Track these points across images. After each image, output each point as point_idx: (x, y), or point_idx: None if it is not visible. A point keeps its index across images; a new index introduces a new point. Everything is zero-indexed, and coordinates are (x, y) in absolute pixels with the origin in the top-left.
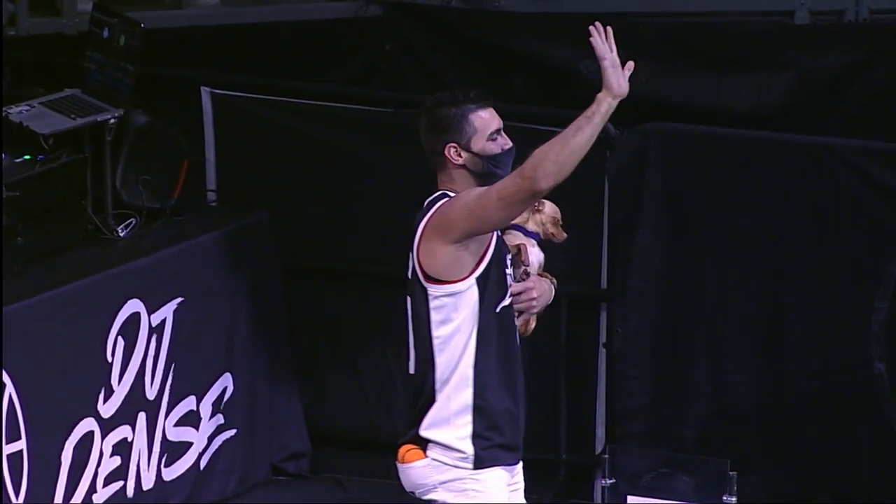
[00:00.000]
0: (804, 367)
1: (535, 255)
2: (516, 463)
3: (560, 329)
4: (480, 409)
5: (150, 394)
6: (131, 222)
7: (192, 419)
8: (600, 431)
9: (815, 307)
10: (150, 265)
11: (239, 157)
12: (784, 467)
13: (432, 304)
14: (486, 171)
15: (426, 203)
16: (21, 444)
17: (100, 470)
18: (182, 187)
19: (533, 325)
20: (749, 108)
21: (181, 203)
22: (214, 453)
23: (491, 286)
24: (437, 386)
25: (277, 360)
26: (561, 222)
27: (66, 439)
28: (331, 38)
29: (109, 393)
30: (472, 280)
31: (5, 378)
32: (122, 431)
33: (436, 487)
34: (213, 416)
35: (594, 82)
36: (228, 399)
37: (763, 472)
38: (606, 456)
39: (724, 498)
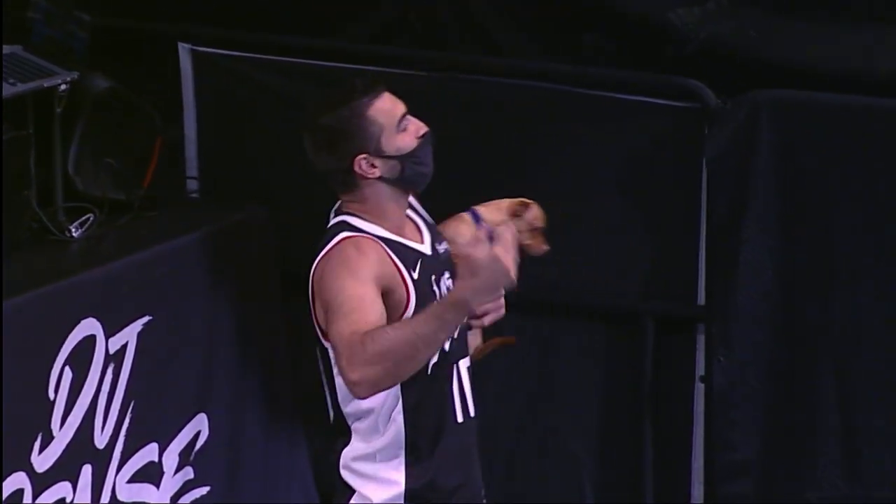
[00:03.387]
0: None
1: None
2: None
3: (645, 357)
4: None
5: (100, 441)
6: (88, 219)
7: (151, 473)
8: (697, 491)
9: None
10: (110, 275)
11: (228, 134)
12: None
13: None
14: (409, 172)
15: (327, 229)
16: None
17: None
18: (154, 174)
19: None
20: (889, 72)
21: (153, 194)
22: None
23: None
24: None
25: (273, 396)
26: (544, 228)
27: None
28: None
29: (48, 440)
30: None
31: None
32: (61, 489)
33: None
34: (179, 468)
35: (688, 36)
36: (202, 447)
37: None
38: None
39: None
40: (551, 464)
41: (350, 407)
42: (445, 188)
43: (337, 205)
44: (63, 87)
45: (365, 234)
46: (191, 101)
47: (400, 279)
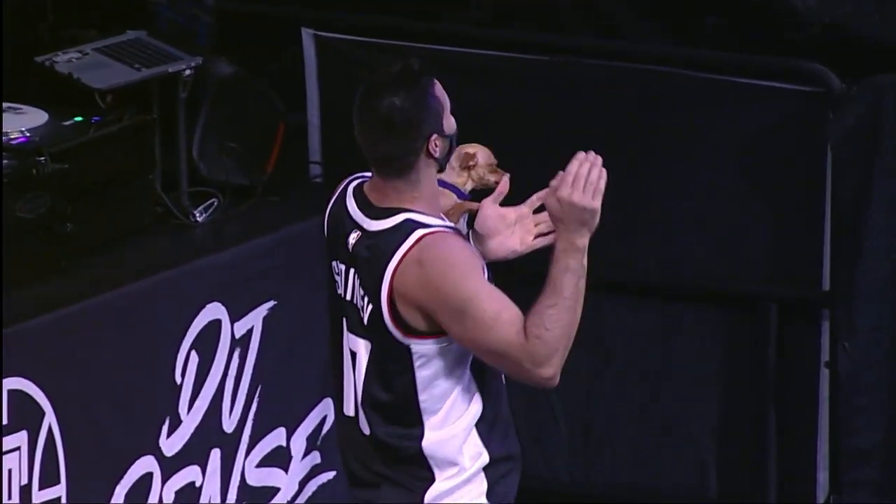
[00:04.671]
0: None
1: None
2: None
3: (768, 343)
4: None
5: (228, 425)
6: (212, 204)
7: (279, 458)
8: (822, 477)
9: None
10: (235, 259)
11: (350, 119)
12: None
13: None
14: (449, 153)
15: (393, 228)
16: (60, 490)
17: None
18: (278, 158)
19: None
20: None
21: (276, 179)
22: (308, 502)
23: None
24: None
25: None
26: (496, 164)
27: (117, 484)
28: None
29: (175, 424)
30: None
31: (45, 405)
32: (189, 473)
33: None
34: (307, 453)
35: (811, 19)
36: (328, 432)
37: None
38: None
39: None
40: (674, 448)
41: (426, 397)
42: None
43: (397, 218)
44: (187, 72)
45: (439, 229)
46: (314, 85)
47: None
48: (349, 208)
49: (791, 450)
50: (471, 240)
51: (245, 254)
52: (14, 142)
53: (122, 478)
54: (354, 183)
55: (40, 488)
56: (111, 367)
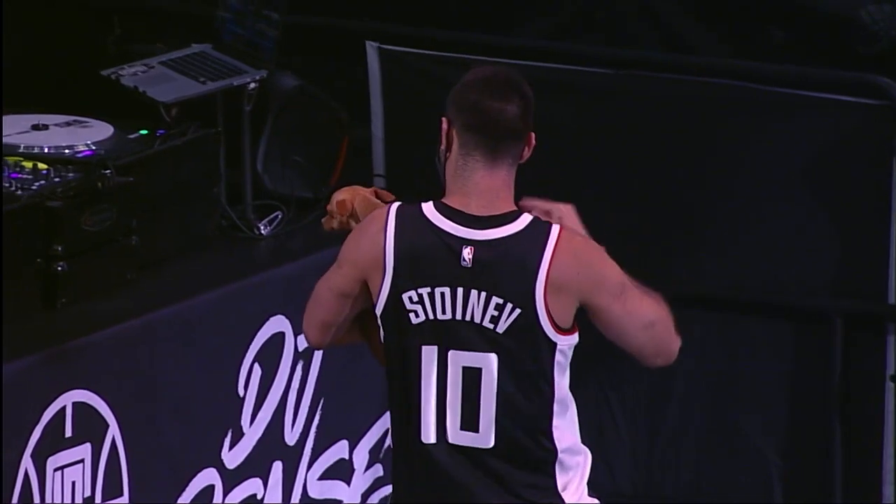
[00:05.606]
0: None
1: None
2: None
3: (834, 356)
4: None
5: (290, 438)
6: (277, 217)
7: (342, 471)
8: (888, 490)
9: None
10: (299, 272)
11: (414, 132)
12: None
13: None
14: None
15: (530, 226)
16: (122, 501)
17: None
18: (342, 171)
19: None
20: None
21: None
22: None
23: None
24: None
25: None
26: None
27: (179, 496)
28: None
29: (238, 437)
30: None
31: (108, 417)
32: (251, 486)
33: None
34: (369, 466)
35: (878, 34)
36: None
37: None
38: None
39: None
40: (740, 462)
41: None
42: (631, 184)
43: (521, 216)
44: (252, 85)
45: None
46: (378, 98)
47: None
48: (441, 227)
49: (857, 463)
50: None
51: (309, 266)
52: (80, 155)
53: (184, 490)
54: (408, 205)
55: (103, 500)
56: (174, 379)
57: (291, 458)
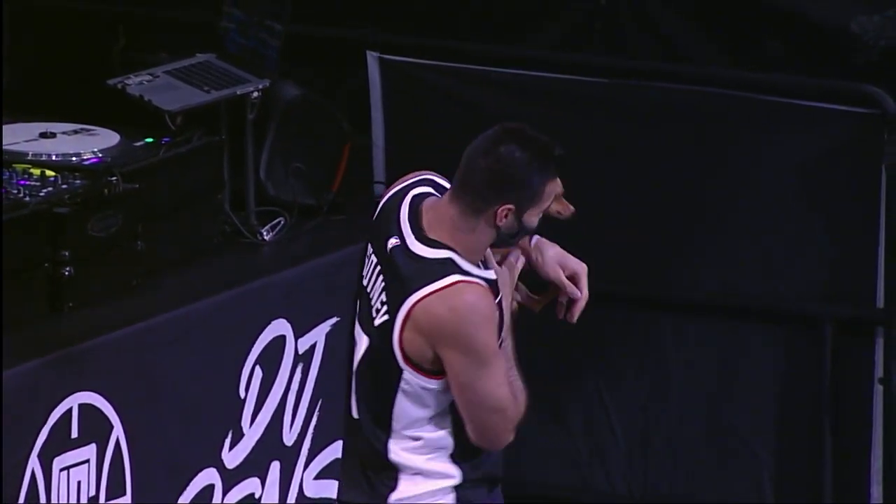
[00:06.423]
0: None
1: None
2: None
3: (824, 360)
4: None
5: (288, 438)
6: (279, 223)
7: (337, 470)
8: (876, 491)
9: None
10: (300, 277)
11: (415, 140)
12: None
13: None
14: (512, 242)
15: (423, 261)
16: (126, 500)
17: None
18: (343, 178)
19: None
20: None
21: (341, 199)
22: None
23: None
24: None
25: None
26: (563, 193)
27: (179, 495)
28: None
29: (238, 437)
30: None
31: (113, 419)
32: (250, 485)
33: None
34: None
35: (869, 44)
36: None
37: None
38: None
39: None
40: (732, 463)
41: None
42: (628, 195)
43: (439, 253)
44: (255, 94)
45: (476, 280)
46: (378, 107)
47: None
48: (402, 213)
49: (846, 463)
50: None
51: (310, 271)
52: (87, 162)
53: (185, 489)
54: (417, 190)
55: (107, 499)
56: (178, 382)
57: (289, 458)
